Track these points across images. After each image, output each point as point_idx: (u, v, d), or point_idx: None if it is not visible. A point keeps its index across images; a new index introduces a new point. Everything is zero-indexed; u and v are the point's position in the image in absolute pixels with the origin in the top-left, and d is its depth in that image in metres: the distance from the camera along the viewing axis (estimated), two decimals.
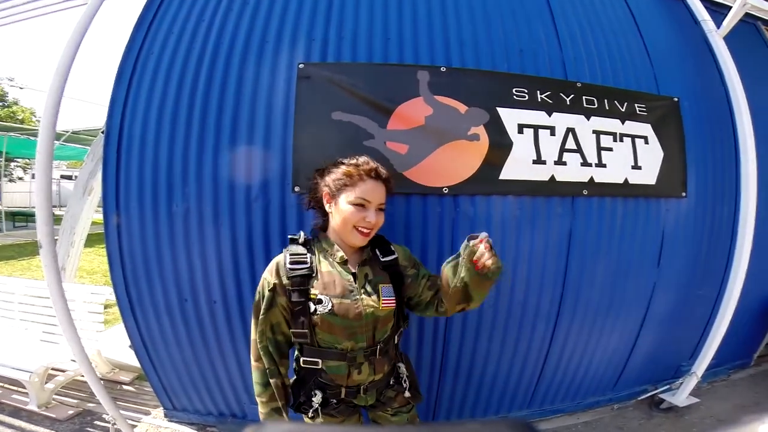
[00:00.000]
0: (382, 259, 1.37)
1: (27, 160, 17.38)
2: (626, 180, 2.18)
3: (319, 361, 1.31)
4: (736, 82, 2.48)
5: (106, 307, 2.82)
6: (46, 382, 2.58)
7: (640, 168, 2.22)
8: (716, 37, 2.56)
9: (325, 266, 1.32)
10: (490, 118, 1.94)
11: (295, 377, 1.41)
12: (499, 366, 2.19)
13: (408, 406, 1.47)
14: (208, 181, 1.89)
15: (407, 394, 1.44)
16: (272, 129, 1.90)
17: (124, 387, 2.88)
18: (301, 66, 1.89)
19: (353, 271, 1.33)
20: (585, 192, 2.09)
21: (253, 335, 1.33)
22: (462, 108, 1.93)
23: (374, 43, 1.95)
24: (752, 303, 2.88)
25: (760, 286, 2.83)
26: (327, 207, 1.36)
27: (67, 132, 9.97)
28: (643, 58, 2.39)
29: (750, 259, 2.46)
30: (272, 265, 1.33)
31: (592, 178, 2.10)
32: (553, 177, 2.02)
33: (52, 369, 2.64)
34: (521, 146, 1.98)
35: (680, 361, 2.73)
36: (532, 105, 2.01)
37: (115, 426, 2.08)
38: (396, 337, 1.41)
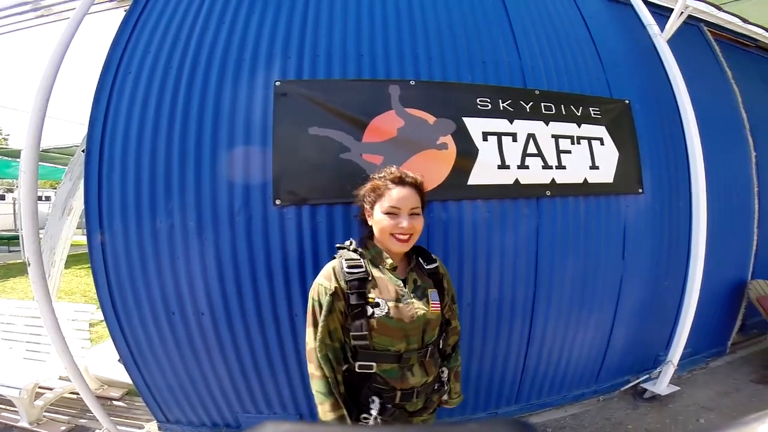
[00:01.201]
0: (426, 267, 1.43)
1: None
2: (585, 180, 2.35)
3: (374, 365, 1.31)
4: (680, 82, 2.71)
5: (91, 325, 2.82)
6: (35, 400, 2.60)
7: (597, 168, 2.40)
8: (660, 40, 2.80)
9: (376, 272, 1.36)
10: (456, 127, 2.09)
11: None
12: (482, 364, 2.30)
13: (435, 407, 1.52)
14: (191, 197, 1.96)
15: (445, 397, 1.50)
16: (251, 145, 1.99)
17: (115, 403, 2.88)
18: (277, 83, 1.99)
19: (402, 277, 1.38)
20: (548, 193, 2.24)
21: (311, 344, 1.32)
22: (431, 119, 2.06)
23: (348, 60, 2.08)
24: (718, 290, 3.09)
25: (722, 274, 3.06)
26: (369, 221, 1.42)
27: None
28: (596, 63, 2.59)
29: (708, 248, 2.65)
30: (327, 270, 1.35)
31: (553, 180, 2.26)
32: (517, 180, 2.17)
33: (39, 387, 2.65)
34: (486, 153, 2.12)
35: (657, 351, 2.88)
36: (495, 113, 2.17)
37: None
38: (441, 341, 1.47)
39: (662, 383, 2.68)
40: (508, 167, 2.16)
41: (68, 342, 2.58)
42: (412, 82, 2.09)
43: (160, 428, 2.40)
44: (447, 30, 2.30)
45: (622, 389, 2.78)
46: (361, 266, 1.34)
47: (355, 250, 1.40)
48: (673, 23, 2.77)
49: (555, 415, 2.56)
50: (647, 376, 2.79)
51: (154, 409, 2.33)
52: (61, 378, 2.72)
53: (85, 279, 6.79)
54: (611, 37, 2.76)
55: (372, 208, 1.39)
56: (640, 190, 2.52)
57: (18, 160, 9.14)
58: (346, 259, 1.35)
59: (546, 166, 2.24)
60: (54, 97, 1.93)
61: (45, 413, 2.65)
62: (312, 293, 1.34)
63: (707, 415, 2.52)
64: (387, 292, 1.33)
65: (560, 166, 2.28)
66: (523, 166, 2.19)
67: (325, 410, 1.30)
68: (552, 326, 2.39)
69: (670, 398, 2.68)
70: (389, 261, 1.37)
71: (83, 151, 2.08)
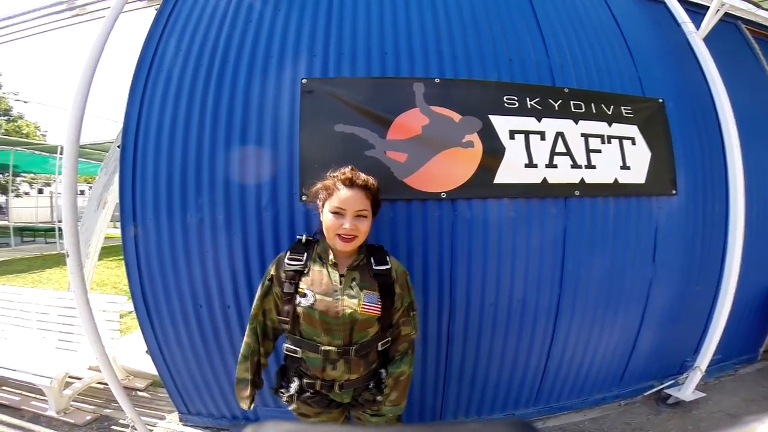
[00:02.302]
0: (375, 268, 1.46)
1: (33, 175, 17.58)
2: (616, 180, 2.28)
3: (299, 350, 1.43)
4: (717, 81, 2.60)
5: (120, 316, 2.92)
6: (64, 389, 2.68)
7: (629, 168, 2.32)
8: (696, 38, 2.69)
9: (318, 266, 1.45)
10: (483, 125, 2.06)
11: (282, 364, 1.55)
12: (503, 364, 2.26)
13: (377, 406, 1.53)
14: (220, 193, 2.01)
15: (379, 398, 1.49)
16: (279, 141, 2.02)
17: (139, 393, 2.96)
18: (304, 81, 2.02)
19: (342, 273, 1.43)
20: (577, 193, 2.19)
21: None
22: (456, 117, 2.05)
23: (372, 58, 2.09)
24: (752, 296, 2.94)
25: (757, 279, 2.90)
26: (320, 216, 1.47)
27: None
28: (627, 62, 2.52)
29: (744, 253, 2.53)
30: (275, 259, 1.51)
31: (582, 180, 2.20)
32: (545, 179, 2.13)
33: (69, 376, 2.74)
34: (513, 151, 2.09)
35: (684, 356, 2.77)
36: (522, 112, 2.13)
37: (134, 430, 2.18)
38: (380, 344, 1.47)
39: (688, 389, 2.58)
40: (535, 166, 2.12)
41: (99, 332, 2.74)
42: (437, 80, 2.07)
43: (181, 419, 2.46)
44: (472, 26, 2.28)
45: (645, 394, 2.69)
46: (300, 260, 1.45)
47: (306, 243, 1.51)
48: (709, 21, 2.66)
49: (574, 419, 2.50)
50: (672, 381, 2.68)
51: (176, 400, 2.39)
52: (90, 368, 2.81)
53: (116, 271, 7.08)
54: (643, 35, 2.68)
55: (323, 205, 1.45)
56: (674, 192, 2.43)
57: (55, 155, 9.63)
58: (290, 251, 1.48)
59: (575, 166, 2.19)
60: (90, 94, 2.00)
61: (72, 402, 2.73)
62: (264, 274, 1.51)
63: (732, 423, 2.40)
64: (319, 285, 1.41)
65: (590, 166, 2.22)
66: (551, 165, 2.14)
67: (238, 369, 1.53)
68: (576, 328, 2.33)
69: (695, 405, 2.58)
70: (331, 257, 1.45)
71: (118, 146, 2.16)
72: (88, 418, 2.60)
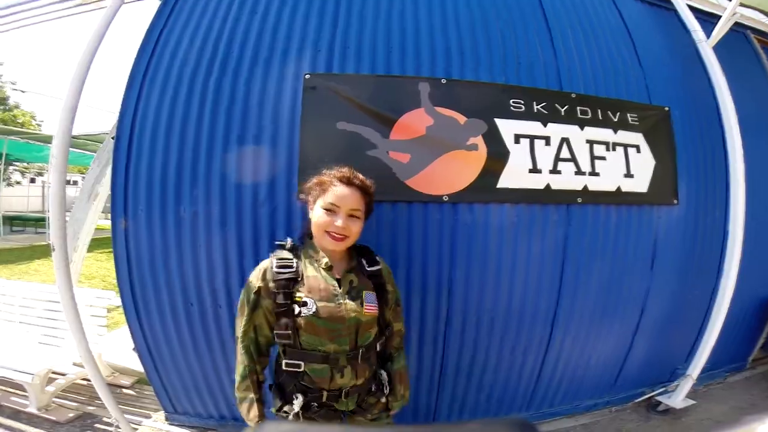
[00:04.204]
0: (367, 269, 1.43)
1: (25, 165, 17.30)
2: (619, 188, 2.26)
3: (302, 363, 1.34)
4: (725, 91, 2.57)
5: (108, 311, 2.85)
6: (46, 385, 2.60)
7: (632, 176, 2.30)
8: (706, 47, 2.65)
9: (311, 271, 1.37)
10: (488, 128, 2.02)
11: (274, 381, 1.45)
12: (498, 367, 2.25)
13: (387, 412, 1.52)
14: (216, 186, 1.95)
15: (383, 399, 1.47)
16: (279, 137, 1.96)
17: (125, 391, 2.90)
18: (307, 76, 1.96)
19: (338, 277, 1.38)
20: (579, 200, 2.16)
21: (238, 333, 1.40)
22: (461, 119, 2.00)
23: (377, 55, 2.03)
24: (746, 306, 2.95)
25: (752, 289, 2.91)
26: (310, 215, 1.42)
27: None
28: (636, 69, 2.48)
29: (741, 263, 2.53)
30: (258, 269, 1.40)
31: (586, 187, 2.17)
32: (548, 185, 2.10)
33: (52, 372, 2.66)
34: (518, 156, 2.05)
35: (676, 364, 2.78)
36: (528, 116, 2.09)
37: (118, 429, 2.13)
38: (378, 345, 1.45)
39: (678, 396, 2.59)
40: (539, 171, 2.08)
41: (85, 328, 2.65)
42: (443, 81, 2.02)
43: (167, 418, 2.41)
44: (481, 26, 2.22)
45: (636, 401, 2.70)
46: (291, 266, 1.35)
47: (291, 248, 1.42)
48: (721, 29, 2.63)
49: (566, 425, 2.50)
50: (663, 389, 2.70)
51: (162, 398, 2.34)
52: (75, 364, 2.71)
53: (105, 264, 6.94)
54: (652, 42, 2.64)
55: (314, 202, 1.39)
56: (675, 201, 2.41)
57: (49, 145, 9.42)
58: (277, 259, 1.37)
59: (579, 172, 2.16)
60: (86, 84, 1.92)
61: (54, 399, 2.65)
62: (245, 287, 1.40)
63: (719, 430, 2.41)
64: (317, 292, 1.33)
65: (593, 173, 2.19)
66: (555, 170, 2.11)
67: (238, 391, 1.40)
68: (572, 335, 2.32)
69: (684, 412, 2.59)
70: (325, 260, 1.38)
71: (113, 137, 2.08)
72: (71, 415, 2.54)
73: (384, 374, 1.50)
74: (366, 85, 1.97)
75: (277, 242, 1.46)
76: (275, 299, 1.33)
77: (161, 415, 2.44)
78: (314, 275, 1.36)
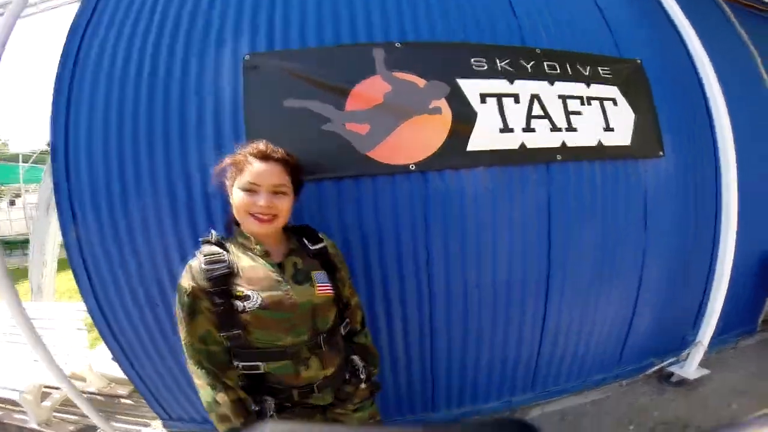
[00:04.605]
0: (311, 248, 1.31)
1: (2, 187, 16.84)
2: (600, 142, 2.12)
3: (261, 364, 1.21)
4: (694, 40, 2.48)
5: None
6: (42, 401, 2.60)
7: (612, 130, 2.17)
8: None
9: (246, 261, 1.23)
10: (450, 89, 1.89)
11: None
12: (493, 349, 2.08)
13: (369, 399, 1.39)
14: (163, 183, 1.80)
15: (363, 386, 1.35)
16: (222, 125, 1.81)
17: (122, 401, 2.84)
18: (247, 57, 1.82)
19: (277, 261, 1.25)
20: (559, 157, 2.02)
21: (185, 350, 1.22)
22: (420, 82, 1.87)
23: (324, 26, 1.89)
24: (750, 263, 2.80)
25: (753, 244, 2.76)
26: (230, 198, 1.28)
27: (35, 153, 9.75)
28: (600, 22, 2.37)
29: (739, 217, 2.39)
30: (185, 271, 1.23)
31: (564, 143, 2.04)
32: (523, 144, 1.96)
33: (48, 387, 2.65)
34: (486, 116, 1.92)
35: (684, 331, 2.61)
36: (492, 74, 1.96)
37: None
38: (342, 328, 1.35)
39: (691, 366, 2.43)
40: (511, 130, 1.94)
41: (71, 341, 2.73)
42: (398, 44, 1.90)
43: (164, 425, 2.32)
44: None
45: (646, 373, 2.53)
46: (222, 260, 1.21)
47: (218, 242, 1.27)
48: None
49: (575, 402, 2.34)
50: (674, 358, 2.53)
51: (154, 406, 2.25)
52: (73, 376, 2.71)
53: None
54: None
55: (232, 185, 1.25)
56: (661, 153, 2.27)
57: (17, 164, 9.27)
58: (204, 255, 1.22)
59: (554, 129, 2.02)
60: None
61: (56, 413, 2.64)
62: (176, 296, 1.23)
63: (740, 400, 2.26)
64: (258, 282, 1.20)
65: (570, 128, 2.06)
66: (528, 128, 1.97)
67: (216, 421, 1.19)
68: (568, 306, 2.15)
69: (699, 382, 2.42)
70: (258, 247, 1.25)
71: (47, 144, 1.94)
72: (71, 428, 2.54)
73: (357, 359, 1.36)
74: (314, 58, 1.84)
75: (200, 239, 1.30)
76: (212, 300, 1.17)
77: (159, 422, 2.37)
78: (251, 265, 1.23)
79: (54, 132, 1.87)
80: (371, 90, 1.82)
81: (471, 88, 1.91)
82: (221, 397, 1.16)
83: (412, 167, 1.82)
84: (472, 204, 1.89)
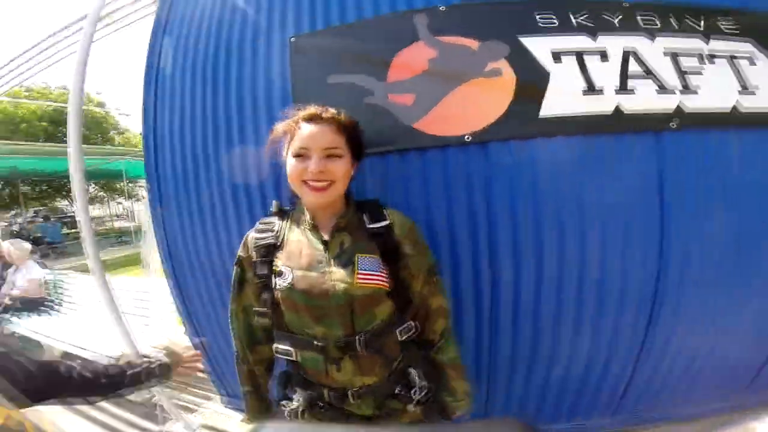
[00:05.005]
0: (368, 226, 1.12)
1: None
2: (735, 108, 1.56)
3: (292, 350, 1.11)
4: None
5: None
6: None
7: (752, 93, 1.60)
8: None
9: (295, 234, 1.14)
10: (511, 49, 1.57)
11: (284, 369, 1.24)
12: (572, 364, 1.60)
13: (422, 422, 1.16)
14: (225, 167, 1.82)
15: (410, 408, 1.13)
16: (274, 108, 1.74)
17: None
18: (292, 40, 1.77)
19: (326, 238, 1.11)
20: (673, 125, 1.52)
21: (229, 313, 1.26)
22: (473, 44, 1.59)
23: (363, 1, 1.75)
24: None
25: None
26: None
27: None
28: None
29: None
30: (244, 238, 1.21)
31: (680, 107, 1.54)
32: (618, 108, 1.51)
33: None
34: (562, 76, 1.54)
35: None
36: (566, 29, 1.60)
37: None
38: (399, 332, 1.13)
39: None
40: (600, 92, 1.52)
41: (162, 315, 3.15)
42: (442, 8, 1.66)
43: (223, 401, 2.32)
44: None
45: None
46: (271, 230, 1.15)
47: (278, 212, 1.22)
48: None
49: None
50: None
51: (215, 382, 2.23)
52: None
53: None
54: None
55: (286, 154, 1.15)
56: None
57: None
58: (259, 223, 1.20)
59: (663, 90, 1.55)
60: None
61: None
62: None
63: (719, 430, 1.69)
64: (297, 258, 1.09)
65: (687, 89, 1.56)
66: (624, 89, 1.53)
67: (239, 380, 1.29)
68: (685, 314, 1.57)
69: None
70: (306, 218, 1.14)
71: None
72: (147, 395, 2.65)
73: (414, 373, 1.13)
74: (354, 33, 1.71)
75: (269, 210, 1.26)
76: (256, 270, 1.13)
77: (218, 398, 2.38)
78: (297, 239, 1.13)
79: (145, 121, 2.05)
80: (414, 57, 1.61)
81: (539, 45, 1.57)
82: (240, 367, 1.27)
83: (468, 138, 1.50)
84: (549, 183, 1.47)
